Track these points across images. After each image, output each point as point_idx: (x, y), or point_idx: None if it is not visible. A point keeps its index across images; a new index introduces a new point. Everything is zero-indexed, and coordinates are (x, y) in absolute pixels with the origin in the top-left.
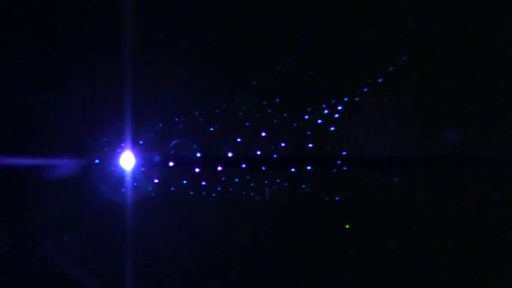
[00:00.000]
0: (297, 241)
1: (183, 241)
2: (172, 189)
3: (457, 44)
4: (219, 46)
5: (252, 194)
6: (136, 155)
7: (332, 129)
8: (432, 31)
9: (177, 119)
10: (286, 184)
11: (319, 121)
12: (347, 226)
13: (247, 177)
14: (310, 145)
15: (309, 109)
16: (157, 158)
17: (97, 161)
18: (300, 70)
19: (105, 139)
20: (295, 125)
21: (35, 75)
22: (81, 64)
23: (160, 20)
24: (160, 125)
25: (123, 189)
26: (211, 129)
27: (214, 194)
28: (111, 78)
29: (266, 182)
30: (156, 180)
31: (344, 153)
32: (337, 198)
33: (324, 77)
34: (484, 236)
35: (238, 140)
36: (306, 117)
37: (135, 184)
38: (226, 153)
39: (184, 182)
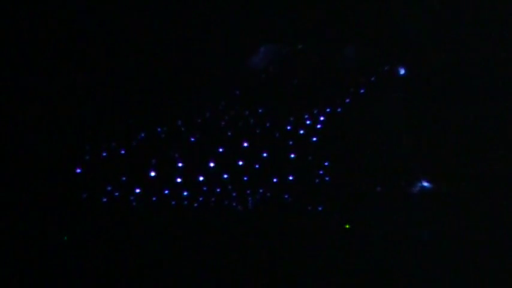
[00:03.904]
0: (280, 250)
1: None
2: (153, 198)
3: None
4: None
5: (234, 204)
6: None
7: (314, 139)
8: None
9: (159, 129)
10: (268, 194)
11: (301, 131)
12: (347, 226)
13: (229, 187)
14: (292, 155)
15: (292, 119)
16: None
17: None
18: (282, 80)
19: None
20: (277, 134)
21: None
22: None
23: (144, 26)
24: (143, 134)
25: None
26: (192, 139)
27: (196, 204)
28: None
29: (248, 191)
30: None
31: (326, 163)
32: (320, 208)
33: (306, 88)
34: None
35: (220, 149)
36: (288, 127)
37: (116, 194)
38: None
39: (166, 192)
